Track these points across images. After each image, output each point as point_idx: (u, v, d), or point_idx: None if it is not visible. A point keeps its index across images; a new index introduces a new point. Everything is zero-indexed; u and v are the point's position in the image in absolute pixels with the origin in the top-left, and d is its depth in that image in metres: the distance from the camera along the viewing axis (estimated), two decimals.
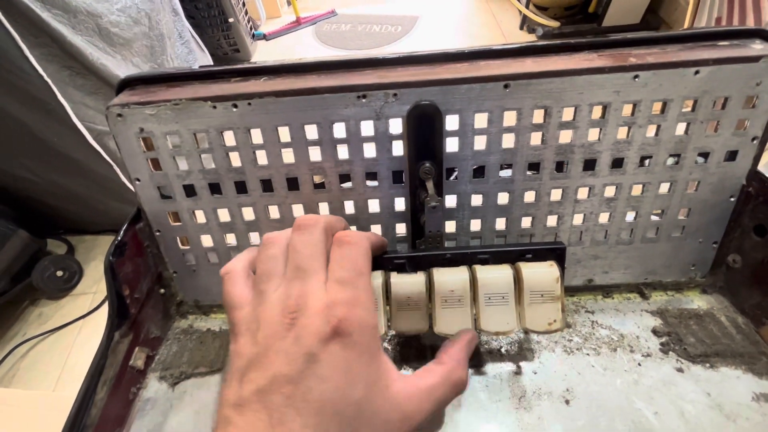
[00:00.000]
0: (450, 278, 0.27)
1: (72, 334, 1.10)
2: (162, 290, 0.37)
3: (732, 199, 0.32)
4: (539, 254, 0.28)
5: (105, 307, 1.11)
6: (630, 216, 0.33)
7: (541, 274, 0.27)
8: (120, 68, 0.96)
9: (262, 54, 1.93)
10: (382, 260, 0.29)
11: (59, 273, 1.14)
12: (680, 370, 0.30)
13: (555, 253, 0.28)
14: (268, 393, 0.19)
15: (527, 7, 1.67)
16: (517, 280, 0.27)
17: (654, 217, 0.33)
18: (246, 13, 1.81)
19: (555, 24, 1.63)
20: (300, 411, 0.19)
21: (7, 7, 0.76)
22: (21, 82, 0.83)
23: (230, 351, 0.22)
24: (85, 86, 0.92)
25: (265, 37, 1.97)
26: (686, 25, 1.25)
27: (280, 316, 0.21)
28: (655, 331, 0.32)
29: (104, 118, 1.00)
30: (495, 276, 0.27)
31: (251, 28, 1.87)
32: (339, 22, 2.05)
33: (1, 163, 1.00)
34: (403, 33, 1.92)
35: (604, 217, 0.33)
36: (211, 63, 1.45)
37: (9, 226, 1.02)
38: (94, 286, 1.19)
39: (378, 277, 0.28)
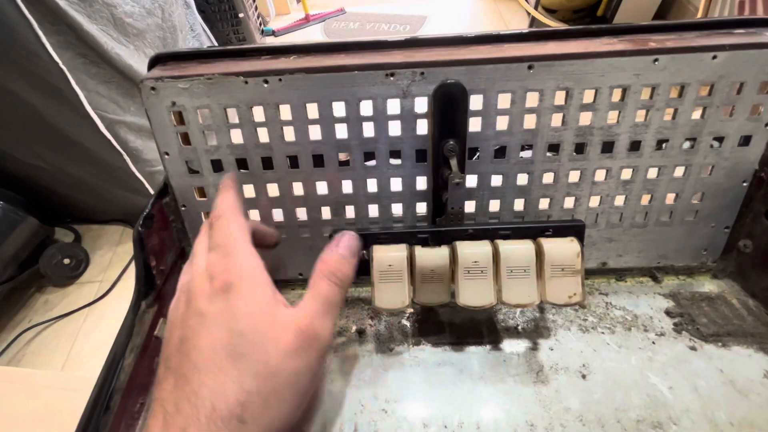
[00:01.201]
0: (473, 250, 0.28)
1: (77, 322, 1.11)
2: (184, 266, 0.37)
3: (744, 184, 0.33)
4: (559, 231, 0.29)
5: (111, 296, 1.12)
6: (645, 199, 0.34)
7: (562, 248, 0.27)
8: (133, 58, 0.97)
9: None
10: (406, 235, 0.29)
11: (66, 261, 1.15)
12: (693, 348, 0.31)
13: (574, 229, 0.29)
14: (170, 358, 0.22)
15: (536, 9, 1.68)
16: (539, 254, 0.28)
17: (668, 201, 0.34)
18: (256, 8, 1.82)
19: (563, 27, 1.64)
20: (194, 360, 0.21)
21: None
22: (36, 69, 0.84)
23: None
24: (98, 75, 0.93)
25: (274, 33, 1.99)
26: None
27: (178, 294, 0.25)
28: (668, 312, 0.33)
29: (116, 107, 1.00)
30: (517, 249, 0.28)
31: (260, 24, 1.88)
32: (347, 20, 2.06)
33: (14, 150, 1.01)
34: (410, 32, 1.94)
35: (620, 200, 0.33)
36: None
37: (19, 212, 1.03)
38: (100, 275, 1.19)
39: (403, 250, 0.28)
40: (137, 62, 0.98)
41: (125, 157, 1.03)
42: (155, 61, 0.32)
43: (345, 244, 0.27)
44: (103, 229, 1.29)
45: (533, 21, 1.76)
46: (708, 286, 0.35)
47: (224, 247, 0.24)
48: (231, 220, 0.26)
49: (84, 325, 1.10)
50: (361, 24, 2.02)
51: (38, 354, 1.06)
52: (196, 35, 1.27)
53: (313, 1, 2.16)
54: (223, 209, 0.27)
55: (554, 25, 1.64)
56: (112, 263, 1.22)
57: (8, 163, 1.05)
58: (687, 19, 0.31)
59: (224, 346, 0.21)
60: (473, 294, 0.28)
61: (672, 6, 1.64)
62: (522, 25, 1.85)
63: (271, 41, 1.97)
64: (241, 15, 1.67)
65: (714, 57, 0.28)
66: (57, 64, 0.84)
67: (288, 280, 0.38)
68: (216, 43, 1.43)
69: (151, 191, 1.15)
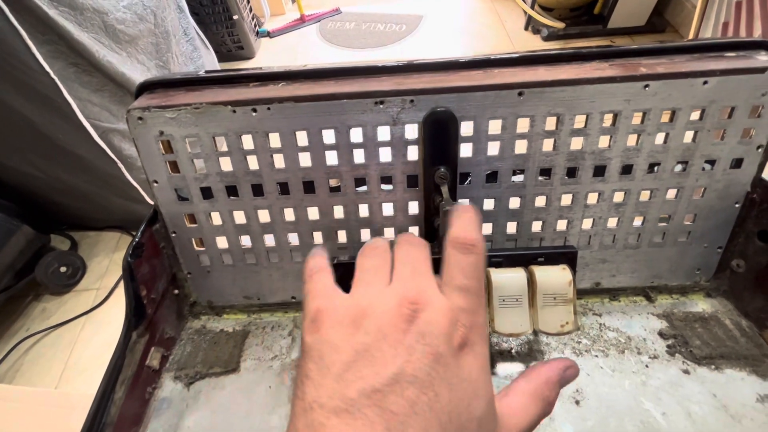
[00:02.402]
0: None
1: (75, 330, 1.11)
2: (176, 291, 0.37)
3: (737, 206, 0.32)
4: (551, 258, 0.29)
5: (108, 304, 1.11)
6: (638, 221, 0.33)
7: (554, 277, 0.27)
8: (125, 65, 0.97)
9: (266, 51, 1.93)
10: None
11: (63, 269, 1.14)
12: (686, 371, 0.31)
13: (566, 256, 0.29)
14: (388, 395, 0.16)
15: (532, 7, 1.67)
16: (531, 282, 0.27)
17: (661, 223, 0.33)
18: (250, 10, 1.81)
19: (560, 25, 1.64)
20: (424, 422, 0.16)
21: (15, 3, 0.76)
22: (27, 79, 0.83)
23: (310, 343, 0.18)
24: (90, 83, 0.92)
25: (269, 34, 1.97)
26: (693, 28, 1.26)
27: (398, 305, 0.18)
28: (661, 334, 0.33)
29: (109, 115, 0.99)
30: (509, 278, 0.27)
31: (255, 26, 1.87)
32: (343, 21, 2.05)
33: (7, 159, 1.00)
34: (407, 32, 1.93)
35: (612, 222, 0.33)
36: (216, 60, 1.45)
37: (13, 221, 1.02)
38: (97, 282, 1.19)
39: None
40: (130, 69, 0.98)
41: (119, 165, 1.02)
42: (142, 89, 0.32)
43: (570, 375, 0.22)
44: (99, 236, 1.28)
45: (530, 20, 1.75)
46: (701, 305, 0.35)
47: (476, 299, 0.19)
48: (484, 266, 0.20)
49: (82, 333, 1.10)
50: (356, 24, 2.01)
51: (36, 363, 1.06)
52: (190, 39, 1.25)
53: (309, 1, 2.15)
54: (481, 248, 0.21)
55: (551, 23, 1.63)
56: (109, 270, 1.21)
57: (2, 172, 1.04)
58: (677, 42, 0.31)
59: (459, 424, 0.16)
60: None
61: (669, 3, 1.63)
62: (519, 24, 1.83)
63: (266, 42, 1.96)
64: (235, 17, 1.65)
65: (705, 82, 0.28)
66: (48, 74, 0.83)
67: (281, 303, 0.38)
68: (210, 46, 1.42)
69: (147, 198, 1.14)
